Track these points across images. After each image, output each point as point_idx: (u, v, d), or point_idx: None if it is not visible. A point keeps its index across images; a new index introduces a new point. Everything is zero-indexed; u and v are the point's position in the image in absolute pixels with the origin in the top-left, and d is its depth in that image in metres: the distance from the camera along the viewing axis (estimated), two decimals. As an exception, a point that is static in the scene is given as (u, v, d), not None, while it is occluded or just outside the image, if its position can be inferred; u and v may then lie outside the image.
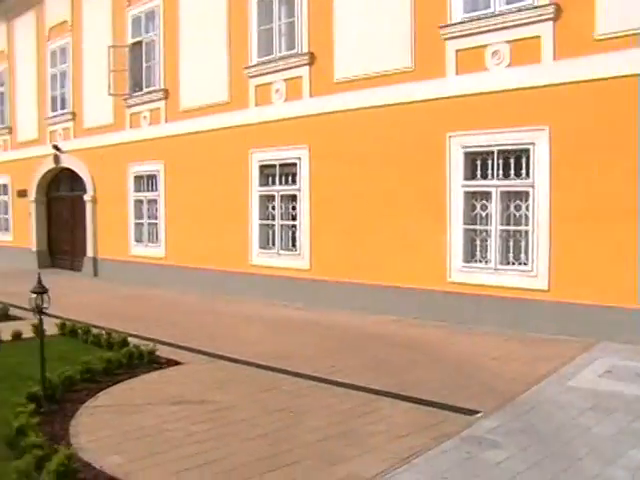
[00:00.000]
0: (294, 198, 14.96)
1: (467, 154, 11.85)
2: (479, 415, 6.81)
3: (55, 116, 23.00)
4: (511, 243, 11.55)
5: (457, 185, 11.93)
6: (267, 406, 7.29)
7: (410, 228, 12.63)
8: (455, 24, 11.86)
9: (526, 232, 11.23)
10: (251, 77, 15.65)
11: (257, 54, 15.53)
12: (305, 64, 14.44)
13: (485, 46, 11.53)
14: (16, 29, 25.33)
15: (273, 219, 15.43)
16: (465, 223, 11.90)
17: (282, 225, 15.26)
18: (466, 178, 11.88)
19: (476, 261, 11.91)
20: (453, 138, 11.92)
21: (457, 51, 11.90)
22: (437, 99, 12.12)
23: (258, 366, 9.15)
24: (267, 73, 15.28)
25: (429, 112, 12.26)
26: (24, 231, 24.85)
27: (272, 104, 15.23)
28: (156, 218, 18.74)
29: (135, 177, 19.42)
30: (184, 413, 7.05)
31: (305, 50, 14.43)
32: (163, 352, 9.79)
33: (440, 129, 12.07)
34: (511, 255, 11.51)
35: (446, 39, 11.99)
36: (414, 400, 7.39)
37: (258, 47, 15.51)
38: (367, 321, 12.47)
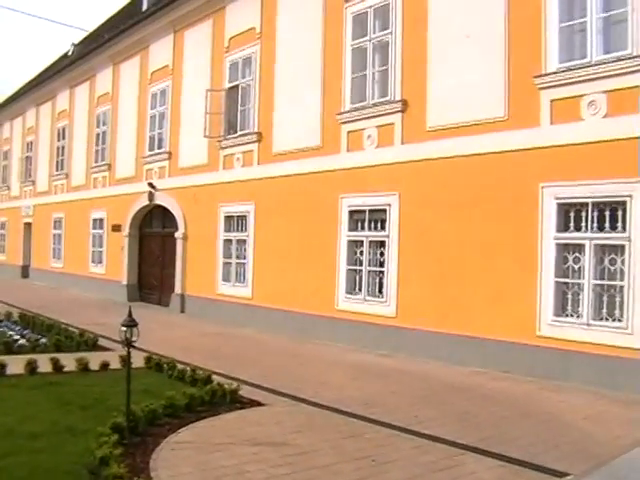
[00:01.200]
0: (382, 244, 14.91)
1: (560, 205, 11.58)
2: (569, 478, 6.52)
3: (152, 155, 23.76)
4: (605, 298, 11.12)
5: (549, 237, 11.65)
6: (348, 453, 7.19)
7: (499, 279, 12.39)
8: (550, 74, 11.71)
9: (621, 287, 10.81)
10: (343, 123, 15.80)
11: (350, 100, 15.70)
12: (397, 111, 14.50)
13: (581, 96, 11.31)
14: (121, 72, 26.50)
15: (361, 265, 15.39)
16: (557, 276, 11.56)
17: (369, 271, 15.20)
18: (559, 230, 11.60)
19: (567, 315, 11.53)
20: (546, 189, 11.68)
21: (552, 101, 11.72)
22: (531, 149, 11.93)
23: (340, 412, 9.05)
24: (359, 119, 15.40)
25: (522, 162, 12.08)
26: (116, 264, 25.60)
27: (363, 150, 15.32)
28: (244, 258, 18.99)
29: (225, 217, 19.78)
30: (264, 455, 7.02)
31: (398, 97, 14.50)
32: (245, 392, 9.81)
33: (533, 179, 11.86)
34: (604, 310, 11.08)
35: (541, 88, 11.84)
36: (500, 457, 7.14)
37: (351, 94, 15.69)
38: (452, 371, 12.23)
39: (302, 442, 7.55)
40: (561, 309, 11.59)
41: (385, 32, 14.95)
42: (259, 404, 9.41)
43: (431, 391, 10.69)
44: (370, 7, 15.30)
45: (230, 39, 19.89)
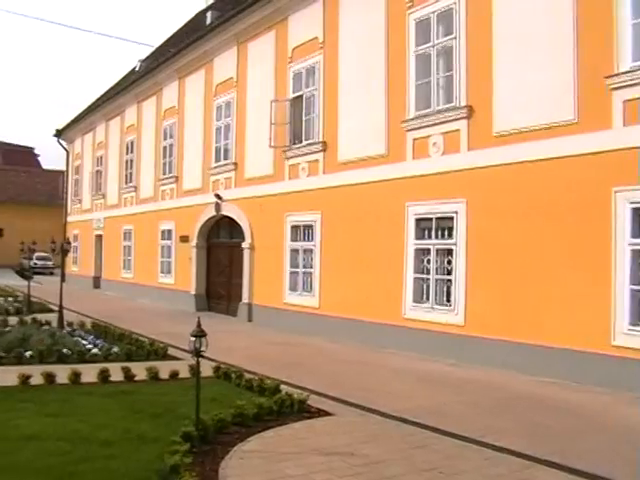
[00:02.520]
0: (450, 252, 14.73)
1: (635, 210, 11.23)
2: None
3: (218, 166, 24.04)
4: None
5: (623, 242, 11.28)
6: (416, 464, 7.09)
7: (569, 287, 12.08)
8: (623, 73, 11.37)
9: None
10: (408, 130, 15.70)
11: (415, 107, 15.59)
12: (463, 117, 14.34)
13: (657, 96, 10.98)
14: (187, 86, 26.93)
15: (428, 273, 15.24)
16: (632, 283, 11.20)
17: (437, 279, 15.03)
18: (634, 235, 11.24)
19: (645, 324, 11.16)
20: (619, 193, 11.34)
21: (625, 101, 11.37)
22: (602, 152, 11.59)
23: (408, 422, 8.95)
24: (425, 126, 15.27)
25: (593, 166, 11.76)
26: (184, 275, 25.97)
27: (429, 157, 15.18)
28: (311, 267, 19.01)
29: (292, 227, 19.86)
30: (332, 465, 6.98)
31: (463, 103, 14.34)
32: (313, 401, 9.79)
33: (605, 184, 11.54)
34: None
35: (613, 89, 11.53)
36: (572, 471, 6.93)
37: (416, 100, 15.58)
38: (522, 381, 11.97)
39: (370, 452, 7.48)
40: (638, 318, 11.21)
41: (449, 37, 14.81)
42: (327, 413, 9.38)
43: (500, 401, 10.49)
44: (433, 12, 15.18)
45: (293, 49, 20.02)
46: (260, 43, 21.85)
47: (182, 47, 26.31)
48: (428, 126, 15.18)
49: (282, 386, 10.41)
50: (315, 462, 7.06)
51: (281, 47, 20.63)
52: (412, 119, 15.59)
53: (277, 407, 9.15)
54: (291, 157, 19.90)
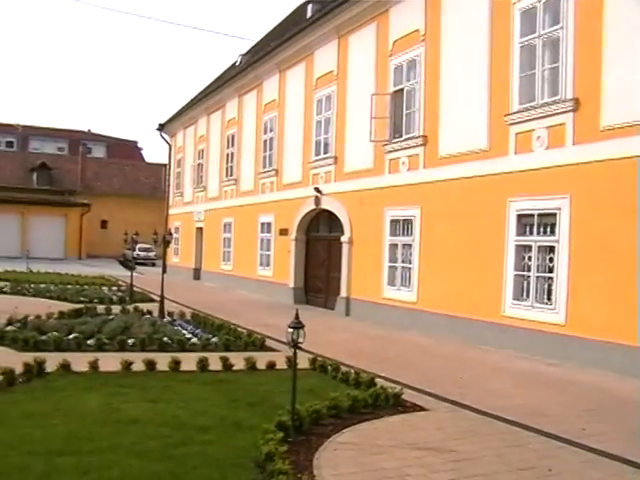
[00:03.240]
0: (552, 249, 14.33)
1: None
2: None
3: (318, 160, 24.16)
4: None
5: None
6: (511, 463, 6.95)
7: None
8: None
9: None
10: (511, 124, 15.34)
11: (518, 101, 15.21)
12: (569, 110, 13.88)
13: None
14: (287, 79, 27.19)
15: (529, 270, 14.87)
16: None
17: (537, 277, 14.65)
18: None
19: None
20: None
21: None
22: None
23: (504, 420, 8.78)
24: (528, 120, 14.88)
25: None
26: (283, 268, 26.26)
27: (532, 152, 14.79)
28: (410, 262, 18.89)
29: (391, 221, 19.77)
30: (426, 460, 6.92)
31: (569, 96, 13.89)
32: (408, 396, 9.73)
33: None
34: None
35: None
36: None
37: (520, 93, 15.19)
38: (625, 385, 11.52)
39: (464, 449, 7.38)
40: None
41: (556, 27, 14.36)
42: (422, 409, 9.31)
43: (601, 403, 10.15)
44: (539, 1, 14.75)
45: (394, 42, 19.88)
46: (361, 36, 21.82)
47: (283, 41, 26.56)
48: (532, 120, 14.79)
49: (377, 380, 10.38)
50: (409, 456, 7.02)
51: (382, 40, 20.53)
52: (515, 112, 15.22)
53: (372, 400, 9.14)
54: (391, 151, 19.79)
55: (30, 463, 6.30)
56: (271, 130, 28.53)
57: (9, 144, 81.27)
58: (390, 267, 19.74)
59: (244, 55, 35.44)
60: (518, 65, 15.24)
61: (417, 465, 6.74)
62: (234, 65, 36.56)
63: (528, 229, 15.01)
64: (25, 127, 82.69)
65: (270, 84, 28.86)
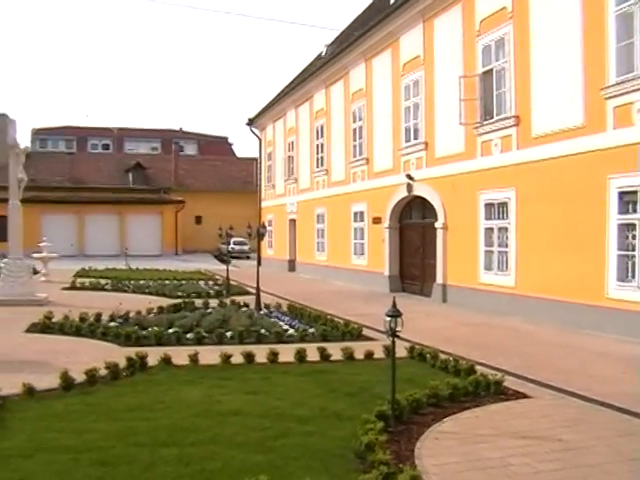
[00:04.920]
0: (657, 226, 13.71)
1: None
2: None
3: (408, 146, 23.89)
4: None
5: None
6: (623, 453, 6.67)
7: None
8: None
9: None
10: (608, 98, 14.71)
11: (615, 73, 14.57)
12: (671, 80, 13.23)
13: None
14: (374, 67, 26.98)
15: (633, 250, 14.27)
16: None
17: (642, 256, 14.05)
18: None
19: None
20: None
21: None
22: None
23: (613, 407, 8.43)
24: (627, 92, 14.22)
25: None
26: (377, 256, 26.14)
27: (633, 126, 14.12)
28: (506, 246, 18.46)
29: (485, 205, 19.36)
30: (530, 449, 6.73)
31: (671, 65, 13.22)
32: (509, 383, 9.53)
33: None
34: None
35: None
36: None
37: (617, 65, 14.54)
38: None
39: (571, 438, 7.13)
40: None
41: (653, -6, 13.68)
42: (524, 396, 9.09)
43: None
44: (634, -33, 14.07)
45: (481, 22, 19.42)
46: (446, 18, 21.42)
47: (368, 29, 26.34)
48: (631, 92, 14.12)
49: (477, 367, 10.19)
50: (512, 445, 6.84)
51: (468, 20, 20.10)
52: (612, 85, 14.58)
53: (472, 388, 8.99)
54: (483, 133, 19.37)
55: (136, 454, 6.50)
56: (360, 119, 28.40)
57: (105, 146, 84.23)
58: (486, 251, 19.34)
59: (329, 45, 35.42)
60: (614, 35, 14.58)
61: (521, 454, 6.56)
62: (320, 56, 36.59)
63: (631, 207, 14.38)
64: (120, 129, 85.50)
65: (357, 73, 28.72)
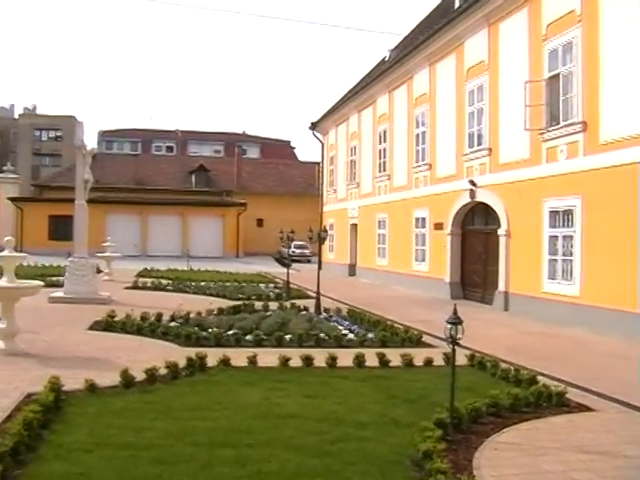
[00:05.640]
0: None
1: None
2: None
3: (472, 152, 23.64)
4: None
5: None
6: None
7: None
8: None
9: None
10: (681, 104, 14.30)
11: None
12: None
13: None
14: (437, 72, 26.80)
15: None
16: None
17: None
18: None
19: None
20: None
21: None
22: None
23: (684, 424, 8.17)
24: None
25: None
26: (439, 262, 25.91)
27: None
28: (570, 255, 18.07)
29: (550, 212, 18.99)
30: (593, 464, 6.56)
31: None
32: (572, 395, 9.32)
33: None
34: None
35: None
36: None
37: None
38: None
39: (637, 454, 6.91)
40: None
41: None
42: (588, 409, 8.88)
43: None
44: None
45: (548, 25, 19.09)
46: (512, 22, 21.14)
47: (432, 33, 26.17)
48: None
49: (539, 378, 10.00)
50: (575, 459, 6.69)
51: (534, 24, 19.78)
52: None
53: (534, 399, 8.83)
54: (548, 139, 19.02)
55: (193, 453, 6.58)
56: (423, 124, 28.23)
57: (169, 149, 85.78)
58: (550, 260, 18.96)
59: (393, 50, 35.33)
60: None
61: (584, 469, 6.40)
62: (383, 61, 36.49)
63: None
64: (184, 132, 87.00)
65: (420, 77, 28.56)
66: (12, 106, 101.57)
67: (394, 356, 11.45)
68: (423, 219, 27.96)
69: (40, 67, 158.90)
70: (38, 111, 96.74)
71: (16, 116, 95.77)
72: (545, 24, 19.24)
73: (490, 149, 22.34)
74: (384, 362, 11.32)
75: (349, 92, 39.61)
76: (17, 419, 6.98)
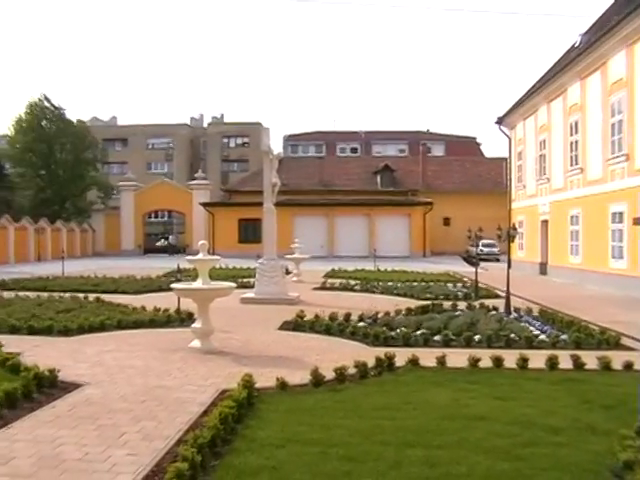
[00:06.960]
0: None
1: None
2: None
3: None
4: None
5: None
6: None
7: None
8: None
9: None
10: None
11: None
12: None
13: None
14: (636, 54, 24.97)
15: None
16: None
17: None
18: None
19: None
20: None
21: None
22: None
23: None
24: None
25: None
26: (637, 260, 24.34)
27: None
28: None
29: None
30: None
31: None
32: None
33: None
34: None
35: None
36: None
37: None
38: None
39: None
40: None
41: None
42: None
43: None
44: None
45: None
46: None
47: (629, 12, 24.40)
48: None
49: None
50: None
51: None
52: None
53: None
54: None
55: (382, 452, 6.64)
56: (619, 112, 26.60)
57: (354, 150, 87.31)
58: None
59: (584, 35, 33.63)
60: None
61: None
62: (573, 47, 34.86)
63: None
64: (367, 133, 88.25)
65: (616, 62, 26.84)
66: (201, 116, 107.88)
67: (589, 359, 10.95)
68: (620, 214, 26.38)
69: (226, 77, 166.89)
70: (225, 119, 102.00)
71: (205, 125, 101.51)
72: None
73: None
74: (578, 365, 10.83)
75: (537, 83, 38.23)
76: (213, 413, 7.38)
